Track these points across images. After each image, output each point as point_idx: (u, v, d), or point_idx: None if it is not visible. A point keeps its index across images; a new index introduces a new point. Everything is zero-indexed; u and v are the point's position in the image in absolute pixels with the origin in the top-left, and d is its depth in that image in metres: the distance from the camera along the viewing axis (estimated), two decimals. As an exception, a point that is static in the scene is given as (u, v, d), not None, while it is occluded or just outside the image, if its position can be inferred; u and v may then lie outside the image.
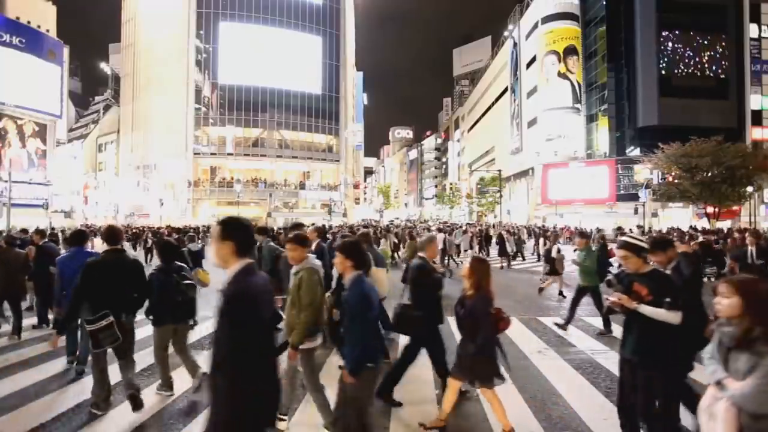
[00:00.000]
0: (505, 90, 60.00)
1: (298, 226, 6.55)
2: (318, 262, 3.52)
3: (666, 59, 40.73)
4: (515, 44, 55.77)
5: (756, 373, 1.93)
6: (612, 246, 7.90)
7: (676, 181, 30.48)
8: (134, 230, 27.21)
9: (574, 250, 8.14)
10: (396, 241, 17.70)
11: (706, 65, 41.27)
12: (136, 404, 3.71)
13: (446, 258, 14.73)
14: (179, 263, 4.23)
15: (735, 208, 32.55)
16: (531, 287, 11.15)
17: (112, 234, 4.03)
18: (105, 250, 3.92)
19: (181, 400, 4.08)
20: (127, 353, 3.82)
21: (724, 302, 2.11)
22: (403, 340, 4.66)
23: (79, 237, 4.88)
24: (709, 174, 27.90)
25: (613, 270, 6.33)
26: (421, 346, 4.07)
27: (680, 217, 38.81)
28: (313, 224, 7.95)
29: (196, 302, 4.23)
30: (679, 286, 3.16)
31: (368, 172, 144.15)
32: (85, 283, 3.62)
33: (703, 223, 32.33)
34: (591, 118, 45.62)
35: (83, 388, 4.20)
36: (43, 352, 5.39)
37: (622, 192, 41.12)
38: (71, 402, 3.99)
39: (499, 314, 3.47)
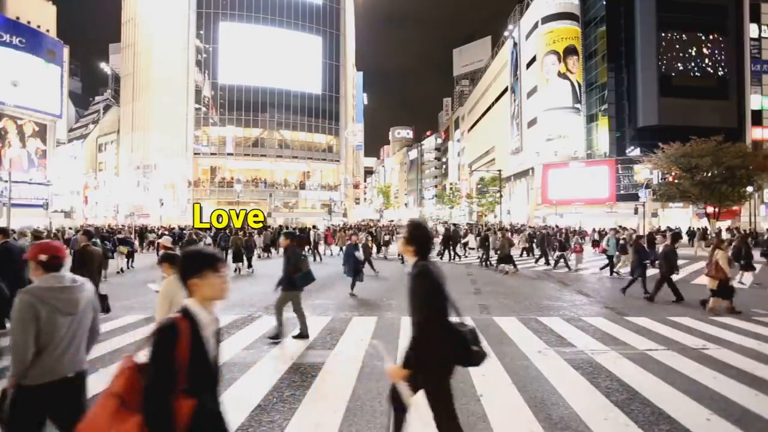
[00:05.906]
0: (505, 90, 59.93)
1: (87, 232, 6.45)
2: None
3: (666, 59, 40.71)
4: (515, 44, 55.71)
5: None
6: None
7: (676, 181, 30.46)
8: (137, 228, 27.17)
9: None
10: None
11: (706, 65, 41.25)
12: None
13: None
14: None
15: (735, 208, 32.55)
16: (531, 287, 11.17)
17: None
18: None
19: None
20: None
21: None
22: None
23: None
24: (709, 174, 27.86)
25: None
26: None
27: (680, 217, 38.83)
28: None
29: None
30: None
31: (368, 172, 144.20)
32: None
33: (703, 223, 32.41)
34: (591, 118, 45.59)
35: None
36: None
37: (622, 192, 41.09)
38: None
39: None
